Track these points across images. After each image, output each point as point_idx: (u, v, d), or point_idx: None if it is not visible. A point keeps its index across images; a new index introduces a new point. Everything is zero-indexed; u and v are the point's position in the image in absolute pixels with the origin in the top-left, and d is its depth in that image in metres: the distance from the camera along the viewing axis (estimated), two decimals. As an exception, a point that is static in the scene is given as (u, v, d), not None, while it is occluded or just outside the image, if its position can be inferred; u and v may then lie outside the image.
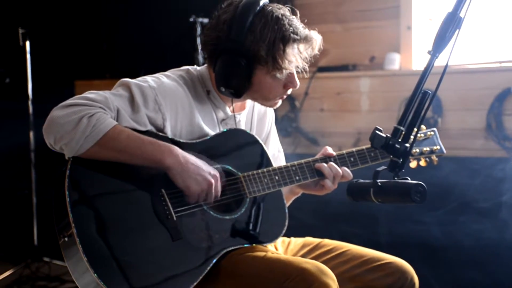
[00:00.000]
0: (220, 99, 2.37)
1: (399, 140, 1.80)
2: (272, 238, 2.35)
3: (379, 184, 1.81)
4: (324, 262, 2.23)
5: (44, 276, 4.61)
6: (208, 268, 2.17)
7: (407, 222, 3.85)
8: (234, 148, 2.38)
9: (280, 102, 2.41)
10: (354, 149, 2.51)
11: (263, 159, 2.43)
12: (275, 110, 2.59)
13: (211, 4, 2.46)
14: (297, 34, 2.23)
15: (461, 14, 1.79)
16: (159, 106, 2.19)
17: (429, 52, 1.81)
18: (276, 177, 2.38)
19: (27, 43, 4.69)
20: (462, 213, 3.81)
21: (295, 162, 2.43)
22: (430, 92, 1.80)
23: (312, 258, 2.35)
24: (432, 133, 2.61)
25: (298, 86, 2.35)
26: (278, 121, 2.69)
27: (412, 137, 1.82)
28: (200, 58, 4.41)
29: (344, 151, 2.50)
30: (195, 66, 2.42)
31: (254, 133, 2.51)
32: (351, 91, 4.69)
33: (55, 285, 4.53)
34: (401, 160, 1.80)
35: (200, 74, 2.37)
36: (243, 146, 2.41)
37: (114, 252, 2.04)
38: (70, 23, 5.48)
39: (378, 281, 2.34)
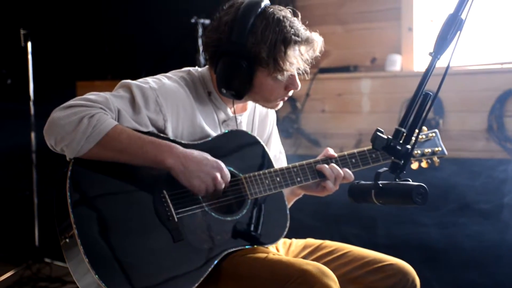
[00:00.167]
0: (221, 100, 2.37)
1: (401, 141, 1.80)
2: (274, 240, 2.35)
3: (381, 185, 1.81)
4: (325, 264, 2.22)
5: (45, 277, 4.61)
6: (209, 269, 2.17)
7: (408, 224, 3.85)
8: (236, 149, 2.38)
9: (281, 103, 2.41)
10: (355, 150, 2.51)
11: (265, 161, 2.43)
12: (276, 111, 2.59)
13: (213, 5, 2.47)
14: (298, 36, 2.23)
15: (462, 16, 1.79)
16: (160, 107, 2.19)
17: (430, 54, 1.81)
18: (278, 179, 2.38)
19: (29, 44, 4.70)
20: (463, 214, 3.81)
21: (297, 164, 2.43)
22: (431, 93, 1.80)
23: (313, 260, 2.36)
24: (434, 134, 2.61)
25: (299, 88, 2.35)
26: (279, 122, 2.69)
27: (413, 138, 1.81)
28: (202, 59, 4.41)
29: (345, 152, 2.50)
30: (196, 67, 2.43)
31: (255, 134, 2.51)
32: (352, 92, 4.69)
33: (56, 286, 4.53)
34: (402, 161, 1.80)
35: (201, 75, 2.38)
36: (244, 147, 2.41)
37: (115, 253, 2.04)
38: (72, 24, 5.48)
39: (380, 283, 2.34)
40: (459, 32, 1.79)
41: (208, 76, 2.36)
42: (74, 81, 5.47)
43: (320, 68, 4.79)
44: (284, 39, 2.21)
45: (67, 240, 2.05)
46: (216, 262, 2.19)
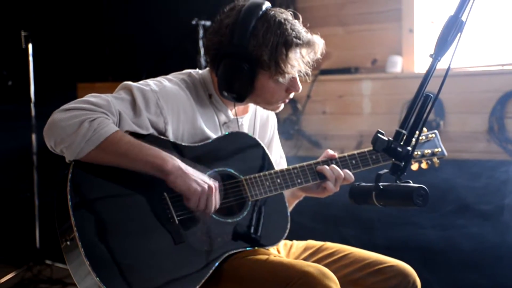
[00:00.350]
0: (222, 102, 2.37)
1: (401, 143, 1.80)
2: (274, 241, 2.35)
3: (381, 187, 1.81)
4: (326, 265, 2.22)
5: (46, 279, 4.61)
6: (210, 271, 2.17)
7: (409, 225, 3.84)
8: (236, 151, 2.38)
9: (282, 105, 2.41)
10: (355, 152, 2.51)
11: (265, 162, 2.43)
12: (277, 113, 2.59)
13: (214, 7, 2.47)
14: (299, 39, 2.23)
15: (463, 18, 1.79)
16: (161, 109, 2.19)
17: (431, 56, 1.81)
18: (278, 180, 2.38)
19: (30, 46, 4.70)
20: (463, 216, 3.81)
21: (297, 165, 2.43)
22: (432, 95, 1.80)
23: (314, 261, 2.35)
24: (433, 135, 2.61)
25: (300, 90, 2.35)
26: (280, 124, 2.69)
27: (414, 140, 1.82)
28: (203, 61, 4.41)
29: (346, 154, 2.50)
30: (197, 70, 2.43)
31: (257, 136, 2.51)
32: (353, 94, 4.69)
33: (57, 288, 4.55)
34: (403, 163, 1.80)
35: (202, 77, 2.38)
36: (245, 149, 2.41)
37: (116, 255, 2.04)
38: (72, 25, 5.48)
39: (380, 284, 2.34)
40: (459, 34, 1.79)
41: (209, 79, 2.36)
42: (75, 82, 5.47)
43: (321, 69, 4.79)
44: (285, 42, 2.21)
45: (68, 242, 2.05)
46: (217, 264, 2.19)
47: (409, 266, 2.40)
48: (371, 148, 1.89)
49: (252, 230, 2.28)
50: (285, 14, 2.27)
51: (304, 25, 2.31)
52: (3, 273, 4.61)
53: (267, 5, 2.28)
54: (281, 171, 2.40)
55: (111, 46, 5.65)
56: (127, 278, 2.03)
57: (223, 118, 2.40)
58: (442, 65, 1.82)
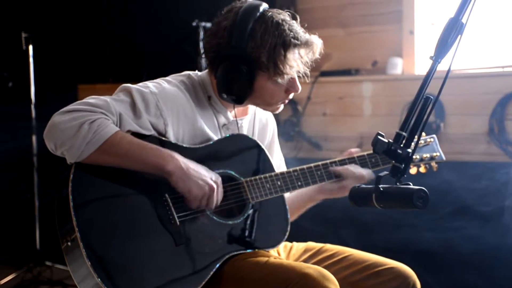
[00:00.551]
0: (221, 104, 2.37)
1: (401, 145, 1.80)
2: (274, 244, 2.36)
3: (381, 189, 1.81)
4: (326, 267, 2.22)
5: (46, 280, 4.61)
6: (211, 273, 2.17)
7: (408, 227, 3.84)
8: (237, 153, 2.38)
9: (282, 106, 2.41)
10: (355, 155, 2.51)
11: (266, 165, 2.43)
12: (277, 114, 2.59)
13: (214, 9, 2.46)
14: (297, 39, 2.23)
15: (463, 20, 1.79)
16: (161, 111, 2.19)
17: (431, 58, 1.81)
18: (279, 183, 2.38)
19: (30, 47, 4.70)
20: (463, 218, 3.81)
21: (297, 168, 2.43)
22: (432, 97, 1.80)
23: (314, 263, 2.36)
24: (432, 139, 2.62)
25: (299, 91, 2.35)
26: (280, 126, 2.69)
27: (414, 142, 1.81)
28: (203, 62, 4.40)
29: (346, 157, 2.50)
30: (196, 71, 2.43)
31: (257, 138, 2.51)
32: (353, 95, 4.69)
33: (57, 289, 4.54)
34: (403, 165, 1.80)
35: (201, 79, 2.38)
36: (245, 151, 2.41)
37: (117, 256, 2.05)
38: (73, 27, 5.48)
39: (380, 286, 2.34)
40: (460, 36, 1.79)
41: (208, 81, 2.36)
42: (75, 84, 5.47)
43: (321, 71, 4.79)
44: (283, 43, 2.21)
45: (69, 243, 2.05)
46: (217, 265, 2.19)
47: (409, 268, 2.40)
48: (371, 151, 1.89)
49: (252, 232, 2.29)
50: (283, 15, 2.27)
51: (304, 27, 2.31)
52: (3, 274, 4.61)
53: (264, 6, 2.28)
54: (282, 173, 2.40)
55: (111, 48, 5.65)
56: (128, 279, 2.04)
57: (222, 120, 2.40)
58: (442, 67, 1.82)
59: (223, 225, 2.26)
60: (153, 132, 2.20)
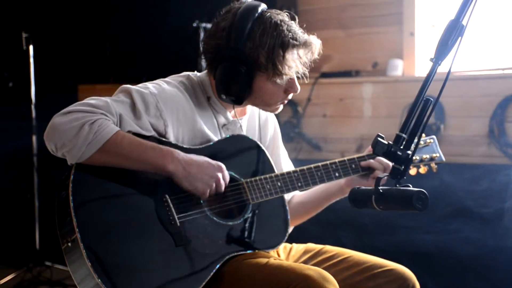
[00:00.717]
0: (221, 105, 2.37)
1: (401, 147, 1.80)
2: (274, 245, 2.36)
3: (381, 191, 1.81)
4: (325, 269, 2.22)
5: (46, 280, 4.60)
6: (211, 273, 2.17)
7: (408, 229, 3.84)
8: (237, 154, 2.38)
9: (281, 107, 2.41)
10: (355, 156, 2.51)
11: (266, 165, 2.43)
12: (277, 115, 2.59)
13: (215, 10, 2.46)
14: (296, 40, 2.23)
15: (464, 22, 1.79)
16: (160, 112, 2.19)
17: (431, 60, 1.81)
18: (279, 184, 2.38)
19: (31, 47, 4.70)
20: (463, 220, 3.81)
21: (298, 169, 2.43)
22: (432, 99, 1.80)
23: (313, 265, 2.36)
24: (432, 140, 2.62)
25: (298, 91, 2.34)
26: (280, 127, 2.68)
27: (414, 144, 1.82)
28: (203, 63, 4.41)
29: (345, 158, 2.50)
30: (195, 72, 2.43)
31: (257, 138, 2.51)
32: (353, 97, 4.69)
33: (57, 290, 4.54)
34: (403, 167, 1.80)
35: (200, 80, 2.38)
36: (246, 152, 2.41)
37: (118, 257, 2.04)
38: (74, 27, 5.48)
39: (380, 288, 2.35)
40: (460, 38, 1.79)
41: (207, 81, 2.36)
42: (76, 84, 5.47)
43: (321, 72, 4.79)
44: (282, 43, 2.21)
45: (69, 243, 2.05)
46: (217, 266, 2.19)
47: (408, 270, 2.40)
48: (371, 152, 1.89)
49: (252, 233, 2.29)
50: (281, 16, 2.27)
51: (302, 27, 2.31)
52: (3, 274, 4.61)
53: (263, 7, 2.28)
54: (282, 174, 2.40)
55: (112, 48, 5.65)
56: (128, 279, 2.04)
57: (222, 120, 2.40)
58: (442, 69, 1.82)
59: (223, 225, 2.26)
60: (153, 133, 2.20)
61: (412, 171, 2.58)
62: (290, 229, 2.49)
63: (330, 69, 4.85)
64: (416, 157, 2.56)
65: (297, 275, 2.04)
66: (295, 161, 2.70)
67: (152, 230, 2.12)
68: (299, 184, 2.42)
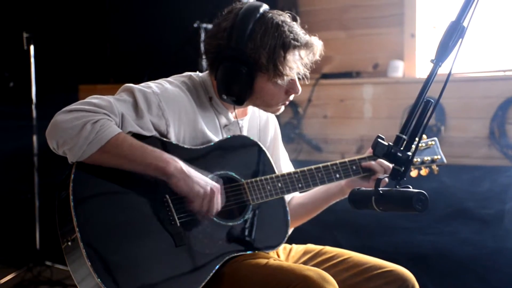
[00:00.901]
0: (222, 105, 2.37)
1: (401, 148, 1.80)
2: (274, 245, 2.36)
3: (381, 192, 1.81)
4: (325, 269, 2.22)
5: (46, 280, 4.61)
6: (211, 274, 2.17)
7: (407, 230, 3.84)
8: (238, 154, 2.38)
9: (282, 108, 2.41)
10: (356, 157, 2.51)
11: (266, 166, 2.43)
12: (278, 116, 2.59)
13: (215, 10, 2.46)
14: (297, 41, 2.24)
15: (465, 23, 1.79)
16: (163, 112, 2.19)
17: (432, 61, 1.81)
18: (279, 184, 2.38)
19: (31, 47, 4.70)
20: (463, 221, 3.81)
21: (298, 170, 2.43)
22: (432, 100, 1.80)
23: (313, 265, 2.36)
24: (433, 142, 2.62)
25: (299, 92, 2.35)
26: (281, 128, 2.68)
27: (414, 145, 1.82)
28: (204, 63, 4.41)
29: (346, 159, 2.50)
30: (197, 72, 2.43)
31: (258, 138, 2.51)
32: (354, 98, 4.69)
33: (57, 289, 4.54)
34: (403, 168, 1.80)
35: (202, 80, 2.38)
36: (246, 152, 2.41)
37: (118, 257, 2.04)
38: (74, 27, 5.49)
39: (380, 289, 2.35)
40: (461, 39, 1.79)
41: (209, 82, 2.37)
42: (77, 84, 5.47)
43: (322, 73, 4.79)
44: (283, 44, 2.22)
45: (69, 243, 2.05)
46: (217, 267, 2.19)
47: (408, 271, 2.39)
48: (372, 154, 1.89)
49: (252, 234, 2.29)
50: (283, 16, 2.27)
51: (303, 28, 2.31)
52: (3, 274, 4.61)
53: (264, 7, 2.29)
54: (282, 175, 2.40)
55: (112, 48, 5.66)
56: (128, 279, 2.04)
57: (223, 120, 2.40)
58: (443, 70, 1.82)
59: (223, 226, 2.26)
60: (154, 133, 2.20)
61: (413, 173, 2.58)
62: (290, 230, 2.49)
63: (331, 70, 4.84)
64: (418, 159, 2.56)
65: (296, 275, 2.04)
66: (295, 162, 2.70)
67: (152, 230, 2.12)
68: (300, 185, 2.42)
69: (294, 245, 2.58)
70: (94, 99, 2.13)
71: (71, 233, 2.03)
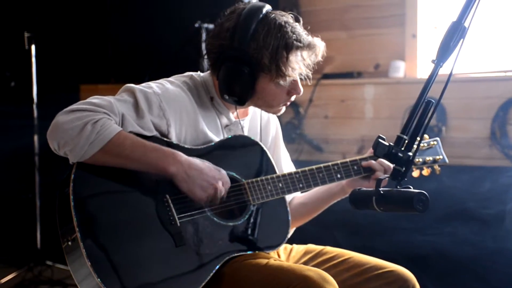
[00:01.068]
0: (224, 105, 2.37)
1: (402, 148, 1.80)
2: (275, 245, 2.36)
3: (382, 192, 1.81)
4: (326, 270, 2.22)
5: (47, 280, 4.62)
6: (211, 274, 2.17)
7: (408, 231, 3.84)
8: (238, 154, 2.38)
9: (284, 108, 2.41)
10: (357, 158, 2.51)
11: (267, 166, 2.43)
12: (279, 116, 2.59)
13: (217, 10, 2.47)
14: (300, 41, 2.24)
15: (466, 24, 1.79)
16: (164, 112, 2.19)
17: (433, 61, 1.82)
18: (280, 185, 2.38)
19: (33, 47, 4.71)
20: (464, 222, 3.81)
21: (299, 170, 2.43)
22: (433, 101, 1.80)
23: (314, 266, 2.35)
24: (435, 142, 2.62)
25: (301, 93, 2.35)
26: (282, 128, 2.69)
27: (415, 146, 1.82)
28: (205, 64, 4.40)
29: (347, 160, 2.50)
30: (199, 72, 2.43)
31: (259, 138, 2.51)
32: (355, 98, 4.69)
33: (57, 289, 4.55)
34: (403, 168, 1.80)
35: (203, 80, 2.38)
36: (247, 153, 2.41)
37: (117, 257, 2.05)
38: (76, 27, 5.49)
39: (380, 289, 2.35)
40: (462, 39, 1.79)
41: (210, 82, 2.37)
42: (78, 84, 5.47)
43: (323, 73, 4.79)
44: (286, 45, 2.22)
45: (70, 243, 2.05)
46: (217, 267, 2.19)
47: (408, 271, 2.39)
48: (372, 154, 1.89)
49: (253, 234, 2.29)
50: (286, 17, 2.27)
51: (307, 29, 2.31)
52: (4, 273, 4.62)
53: (267, 8, 2.29)
54: (283, 175, 2.40)
55: (114, 48, 5.65)
56: (128, 279, 2.04)
57: (225, 120, 2.40)
58: (444, 70, 1.82)
59: (224, 226, 2.26)
60: (155, 133, 2.20)
61: (415, 173, 2.57)
62: (291, 231, 2.49)
63: (332, 70, 4.84)
64: (419, 159, 2.56)
65: (297, 276, 2.04)
66: (296, 162, 2.70)
67: (152, 230, 2.12)
68: (301, 185, 2.42)
69: (294, 245, 2.58)
70: (94, 99, 2.14)
71: (71, 233, 2.03)
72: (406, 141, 1.81)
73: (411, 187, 1.78)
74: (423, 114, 1.80)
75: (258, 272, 2.15)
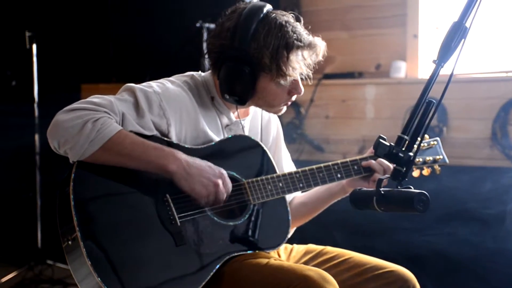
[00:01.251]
0: (224, 105, 2.37)
1: (403, 148, 1.80)
2: (275, 245, 2.36)
3: (382, 192, 1.81)
4: (326, 270, 2.22)
5: (47, 279, 4.62)
6: (211, 274, 2.17)
7: (408, 231, 3.84)
8: (239, 154, 2.38)
9: (284, 108, 2.41)
10: (357, 158, 2.51)
11: (268, 166, 2.43)
12: (280, 116, 2.59)
13: (218, 10, 2.47)
14: (300, 41, 2.23)
15: (467, 24, 1.79)
16: (164, 111, 2.19)
17: (434, 62, 1.81)
18: (280, 184, 2.38)
19: (34, 46, 4.71)
20: (464, 222, 3.80)
21: (299, 170, 2.43)
22: (434, 101, 1.80)
23: (314, 265, 2.35)
24: (435, 142, 2.62)
25: (302, 93, 2.35)
26: (283, 128, 2.69)
27: (415, 146, 1.82)
28: (206, 63, 4.40)
29: (348, 159, 2.50)
30: (200, 72, 2.43)
31: (260, 138, 2.51)
32: (356, 98, 4.69)
33: (58, 288, 4.55)
34: (404, 169, 1.80)
35: (204, 80, 2.38)
36: (247, 152, 2.41)
37: (118, 256, 2.04)
38: (77, 26, 5.49)
39: (380, 290, 2.35)
40: (463, 40, 1.79)
41: (211, 81, 2.37)
42: (79, 83, 5.47)
43: (324, 74, 4.79)
44: (286, 44, 2.22)
45: (70, 242, 2.05)
46: (217, 266, 2.19)
47: (408, 271, 2.39)
48: (373, 154, 1.89)
49: (253, 234, 2.28)
50: (286, 17, 2.27)
51: (308, 29, 2.31)
52: (4, 272, 4.62)
53: (268, 7, 2.28)
54: (283, 175, 2.40)
55: (115, 48, 5.65)
56: (128, 278, 2.04)
57: (225, 120, 2.40)
58: (445, 71, 1.82)
59: (224, 226, 2.26)
60: (155, 132, 2.20)
61: (415, 173, 2.57)
62: (292, 231, 2.49)
63: (333, 70, 4.84)
64: (420, 159, 2.56)
65: (297, 275, 2.04)
66: (297, 162, 2.70)
67: (152, 229, 2.12)
68: (301, 185, 2.42)
69: (295, 245, 2.58)
70: (95, 98, 2.14)
71: (71, 232, 2.03)
72: (407, 142, 1.81)
73: (412, 187, 1.78)
74: (424, 115, 1.80)
75: (259, 271, 2.15)
